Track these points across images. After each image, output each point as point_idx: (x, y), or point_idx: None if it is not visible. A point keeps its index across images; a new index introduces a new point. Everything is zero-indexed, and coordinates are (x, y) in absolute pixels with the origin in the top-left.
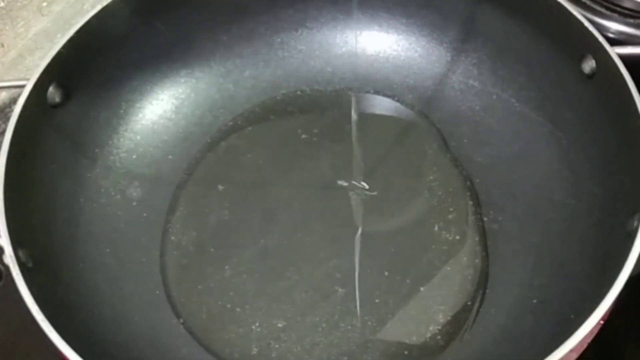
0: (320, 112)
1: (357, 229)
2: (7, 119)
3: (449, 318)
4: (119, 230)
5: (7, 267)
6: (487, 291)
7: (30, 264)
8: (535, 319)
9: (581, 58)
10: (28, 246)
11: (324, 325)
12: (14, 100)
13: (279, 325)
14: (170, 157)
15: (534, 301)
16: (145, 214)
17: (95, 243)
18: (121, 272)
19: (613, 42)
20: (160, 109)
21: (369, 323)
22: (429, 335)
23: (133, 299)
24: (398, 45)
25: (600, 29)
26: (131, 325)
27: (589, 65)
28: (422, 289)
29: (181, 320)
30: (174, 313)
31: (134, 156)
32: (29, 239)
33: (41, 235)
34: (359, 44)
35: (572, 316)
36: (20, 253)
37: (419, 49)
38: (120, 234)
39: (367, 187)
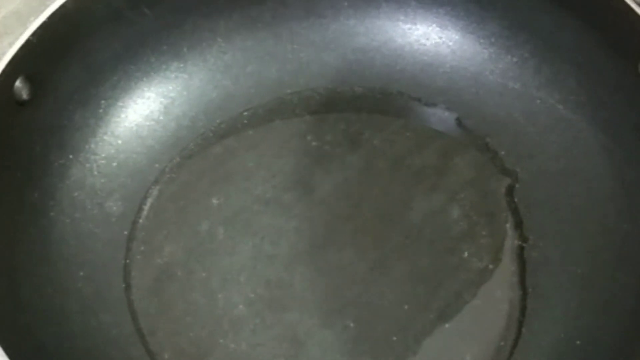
0: (334, 115)
1: (373, 255)
2: None
3: None
4: (95, 251)
5: None
6: (524, 330)
7: None
8: None
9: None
10: None
11: None
12: None
13: None
14: (156, 165)
15: (578, 343)
16: (126, 232)
17: (67, 265)
18: (97, 300)
19: None
20: (146, 109)
21: None
22: None
23: (110, 331)
24: (427, 39)
25: None
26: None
27: None
28: (447, 325)
29: (166, 356)
30: (158, 348)
31: (115, 164)
32: None
33: (3, 255)
34: (380, 37)
35: None
36: None
37: (451, 43)
38: (97, 254)
39: (385, 206)
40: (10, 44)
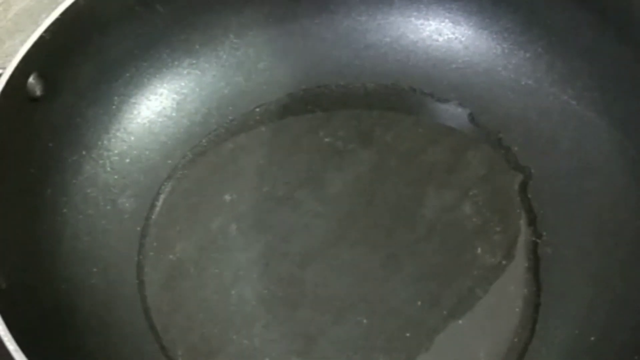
0: (346, 112)
1: (386, 252)
2: None
3: (491, 357)
4: (108, 247)
5: None
6: (537, 327)
7: (3, 285)
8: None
9: None
10: (1, 264)
11: None
12: None
13: None
14: (169, 161)
15: (592, 339)
16: (139, 228)
17: (80, 261)
18: (111, 296)
19: None
20: (158, 106)
21: None
22: None
23: (124, 327)
24: (439, 35)
25: None
26: (119, 356)
27: None
28: (460, 322)
29: (179, 352)
30: (171, 345)
31: (127, 160)
32: (2, 255)
33: (17, 252)
34: (392, 33)
35: (636, 357)
36: None
37: (463, 39)
38: (110, 251)
39: (397, 203)
40: (22, 42)
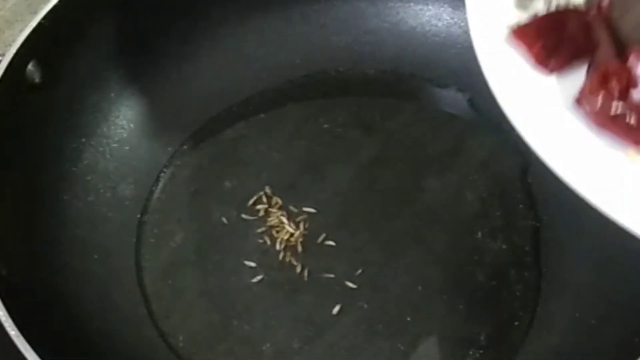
0: (346, 98)
1: (387, 238)
2: None
3: (492, 340)
4: (108, 234)
5: None
6: (538, 310)
7: (4, 271)
8: (594, 342)
9: None
10: (2, 250)
11: (345, 347)
12: None
13: (295, 346)
14: (169, 148)
15: (593, 322)
16: (139, 215)
17: (81, 248)
18: (111, 283)
19: None
20: (158, 93)
21: (399, 346)
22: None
23: (124, 314)
24: (438, 20)
25: None
26: (119, 342)
27: None
28: (461, 306)
29: (180, 338)
30: (172, 331)
31: (127, 147)
32: (3, 242)
33: (17, 239)
34: (391, 18)
35: (636, 339)
36: None
37: (462, 24)
38: (111, 237)
39: (398, 188)
40: (21, 31)
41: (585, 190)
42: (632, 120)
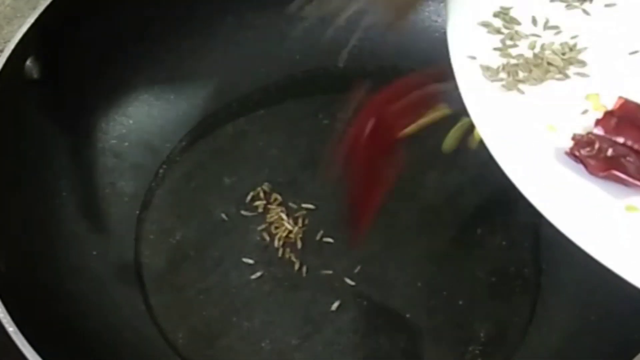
0: (346, 94)
1: (387, 233)
2: None
3: (492, 337)
4: (108, 230)
5: None
6: (538, 307)
7: (2, 268)
8: (594, 339)
9: None
10: (0, 247)
11: (344, 343)
12: None
13: (294, 342)
14: (168, 145)
15: (593, 318)
16: (137, 211)
17: (80, 245)
18: (110, 280)
19: None
20: (157, 89)
21: (398, 342)
22: (468, 356)
23: (123, 311)
24: (438, 15)
25: None
26: (118, 339)
27: None
28: (460, 302)
29: (180, 335)
30: (172, 328)
31: (126, 143)
32: (1, 238)
33: (16, 235)
34: None
35: (635, 336)
36: None
37: None
38: (110, 234)
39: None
40: (20, 27)
41: (582, 241)
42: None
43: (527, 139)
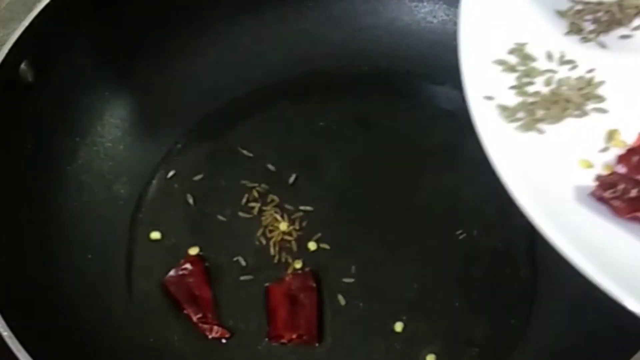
0: (341, 96)
1: (382, 235)
2: None
3: (489, 338)
4: (102, 234)
5: None
6: (534, 307)
7: None
8: (590, 340)
9: None
10: None
11: (340, 345)
12: None
13: (290, 345)
14: (163, 147)
15: (589, 319)
16: (133, 214)
17: (74, 248)
18: (104, 283)
19: None
20: (152, 92)
21: (394, 344)
22: (465, 358)
23: (117, 312)
24: (434, 17)
25: None
26: (112, 342)
27: None
28: (457, 304)
29: (175, 338)
30: (165, 329)
31: (121, 146)
32: None
33: (10, 238)
34: (387, 15)
35: (632, 337)
36: None
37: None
38: (105, 237)
39: (394, 186)
40: (17, 30)
41: (614, 287)
42: None
43: (548, 179)
